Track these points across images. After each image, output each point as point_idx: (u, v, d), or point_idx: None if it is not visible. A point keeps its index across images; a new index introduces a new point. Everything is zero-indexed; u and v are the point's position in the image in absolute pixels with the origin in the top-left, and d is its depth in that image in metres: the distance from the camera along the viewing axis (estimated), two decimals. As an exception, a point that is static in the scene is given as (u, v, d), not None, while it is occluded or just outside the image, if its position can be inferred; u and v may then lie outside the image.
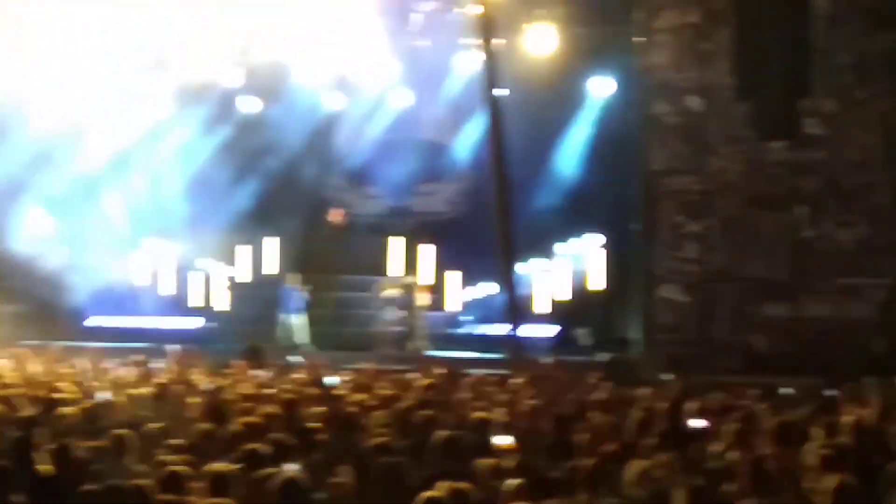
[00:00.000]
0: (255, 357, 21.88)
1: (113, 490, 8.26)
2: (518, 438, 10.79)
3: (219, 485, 8.37)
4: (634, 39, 24.50)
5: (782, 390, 15.87)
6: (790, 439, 10.55)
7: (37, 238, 27.74)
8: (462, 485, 8.24)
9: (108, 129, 27.91)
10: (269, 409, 12.15)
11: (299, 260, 27.32)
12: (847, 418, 11.32)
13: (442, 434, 10.14)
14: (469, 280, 27.59)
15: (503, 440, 10.72)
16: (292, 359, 21.73)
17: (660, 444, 10.50)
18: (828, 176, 23.49)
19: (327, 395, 14.77)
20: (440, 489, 7.99)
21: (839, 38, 23.15)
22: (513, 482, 8.52)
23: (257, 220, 28.24)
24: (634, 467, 8.88)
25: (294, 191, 28.76)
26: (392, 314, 26.65)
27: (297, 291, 26.56)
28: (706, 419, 12.34)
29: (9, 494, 8.50)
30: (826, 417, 11.79)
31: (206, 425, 11.03)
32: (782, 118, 22.72)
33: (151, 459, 9.64)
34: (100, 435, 10.69)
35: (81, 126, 27.38)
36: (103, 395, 13.01)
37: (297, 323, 26.38)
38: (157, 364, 19.81)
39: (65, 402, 13.05)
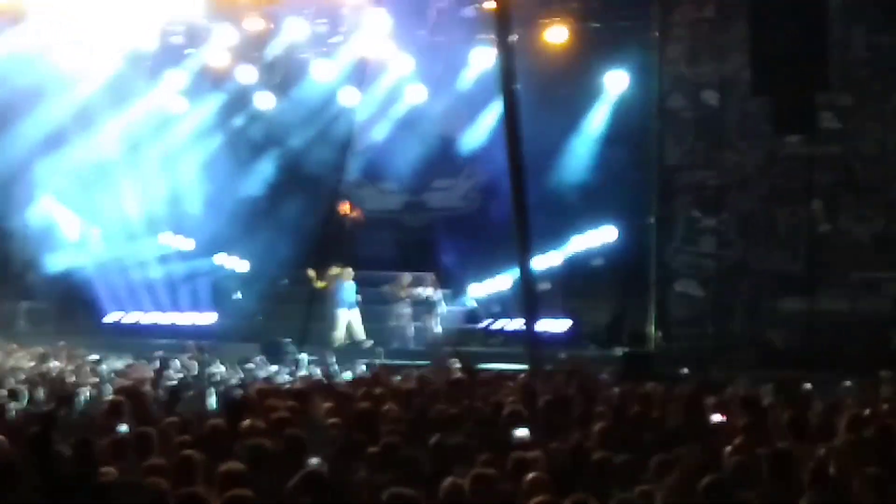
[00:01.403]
0: (274, 353, 21.96)
1: (129, 486, 8.28)
2: (536, 433, 10.81)
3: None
4: (650, 34, 24.46)
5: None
6: (806, 433, 10.57)
7: (51, 230, 27.64)
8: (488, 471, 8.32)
9: (122, 115, 27.87)
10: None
11: (314, 255, 27.25)
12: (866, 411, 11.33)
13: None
14: (484, 275, 27.63)
15: (522, 434, 10.74)
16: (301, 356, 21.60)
17: (678, 438, 10.49)
18: (844, 170, 23.45)
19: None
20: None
21: (855, 32, 23.11)
22: (535, 475, 8.52)
23: (270, 215, 28.24)
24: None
25: (308, 185, 28.74)
26: (407, 309, 26.63)
27: (348, 286, 26.24)
28: (723, 414, 12.35)
29: (18, 491, 8.52)
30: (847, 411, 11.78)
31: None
32: (798, 112, 22.62)
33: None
34: (116, 432, 10.70)
35: (95, 110, 27.32)
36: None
37: (353, 319, 26.27)
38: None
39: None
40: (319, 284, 26.20)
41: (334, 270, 25.93)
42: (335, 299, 25.95)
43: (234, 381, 17.26)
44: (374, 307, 26.78)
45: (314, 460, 9.13)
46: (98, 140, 27.51)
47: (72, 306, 28.30)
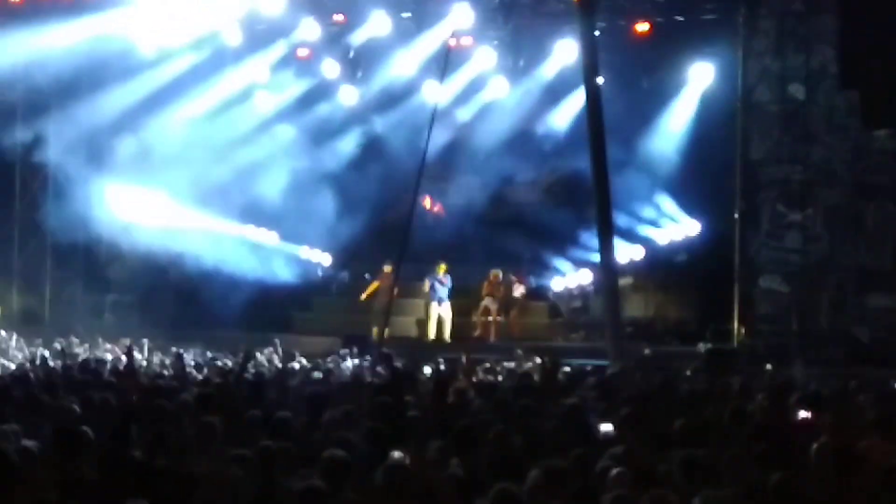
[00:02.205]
0: (358, 347, 22.00)
1: (213, 477, 8.33)
2: (619, 427, 10.75)
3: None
4: (736, 26, 24.27)
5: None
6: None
7: (131, 220, 27.61)
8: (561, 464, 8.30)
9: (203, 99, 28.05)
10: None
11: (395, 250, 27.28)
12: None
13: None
14: (566, 269, 27.63)
15: (606, 427, 10.70)
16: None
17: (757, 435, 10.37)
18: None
19: None
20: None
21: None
22: (618, 471, 8.47)
23: (351, 208, 28.29)
24: None
25: (389, 180, 28.75)
26: (493, 305, 26.63)
27: (441, 280, 26.35)
28: (808, 411, 12.19)
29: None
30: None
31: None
32: (886, 106, 22.34)
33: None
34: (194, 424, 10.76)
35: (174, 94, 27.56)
36: None
37: (444, 314, 26.30)
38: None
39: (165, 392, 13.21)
40: (364, 295, 26.55)
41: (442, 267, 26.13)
42: (428, 294, 26.10)
43: (315, 374, 17.29)
44: (457, 301, 26.82)
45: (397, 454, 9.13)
46: (175, 123, 27.61)
47: (157, 299, 28.45)
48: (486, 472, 8.66)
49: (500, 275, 26.80)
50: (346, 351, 21.55)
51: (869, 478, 8.85)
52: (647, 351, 21.34)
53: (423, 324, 26.39)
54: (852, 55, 22.64)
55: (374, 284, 26.76)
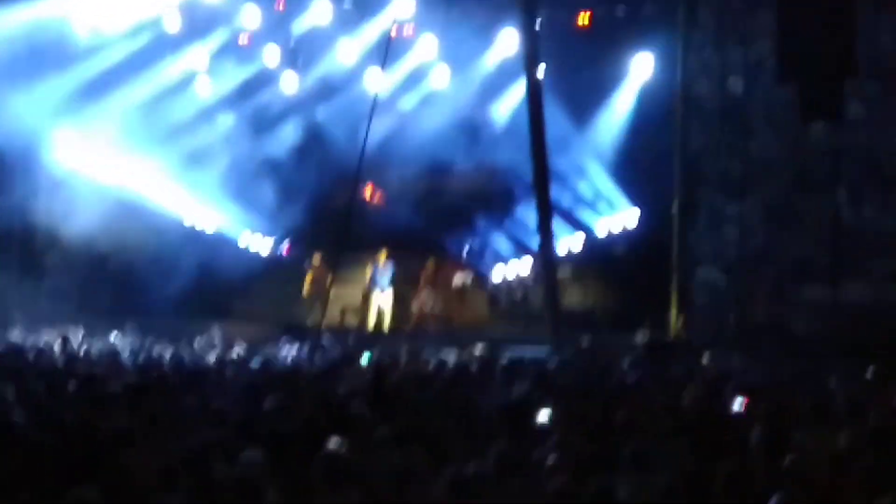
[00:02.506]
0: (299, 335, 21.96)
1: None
2: (559, 417, 10.80)
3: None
4: (676, 19, 24.38)
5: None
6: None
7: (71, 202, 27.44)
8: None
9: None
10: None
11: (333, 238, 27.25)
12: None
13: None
14: (506, 258, 27.70)
15: (543, 416, 10.75)
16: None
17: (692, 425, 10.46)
18: (869, 159, 23.30)
19: None
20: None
21: (883, 19, 22.96)
22: (556, 459, 8.52)
23: (291, 195, 28.21)
24: None
25: (330, 168, 28.68)
26: (428, 294, 26.67)
27: (384, 268, 26.40)
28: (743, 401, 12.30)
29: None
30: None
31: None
32: (824, 100, 22.49)
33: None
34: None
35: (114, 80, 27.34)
36: None
37: (384, 302, 26.24)
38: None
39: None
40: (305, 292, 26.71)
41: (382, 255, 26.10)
42: (368, 282, 26.09)
43: (254, 362, 17.25)
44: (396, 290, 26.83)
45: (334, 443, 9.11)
46: (116, 109, 27.42)
47: (94, 285, 28.25)
48: (425, 461, 8.67)
49: (435, 263, 26.83)
50: (285, 339, 21.50)
51: (804, 467, 8.93)
52: (585, 341, 21.38)
53: (362, 312, 26.33)
54: (791, 49, 22.76)
55: (308, 276, 26.75)
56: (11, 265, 28.29)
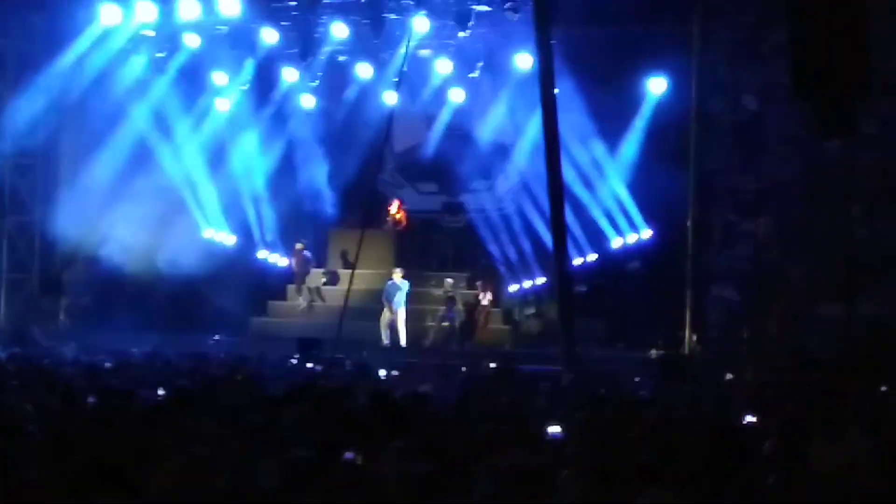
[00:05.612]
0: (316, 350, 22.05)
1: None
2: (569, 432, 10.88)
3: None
4: (691, 38, 24.49)
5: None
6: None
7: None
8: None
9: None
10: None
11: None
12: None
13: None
14: (522, 276, 27.81)
15: (555, 430, 10.81)
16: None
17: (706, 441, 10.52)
18: (883, 175, 23.37)
19: None
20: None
21: (896, 38, 23.05)
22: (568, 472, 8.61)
23: (313, 214, 28.44)
24: None
25: (351, 186, 28.89)
26: (452, 310, 26.65)
27: (396, 286, 26.28)
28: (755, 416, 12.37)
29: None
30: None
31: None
32: (838, 118, 22.54)
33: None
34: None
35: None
36: None
37: (399, 319, 26.24)
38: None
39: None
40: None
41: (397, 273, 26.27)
42: (383, 299, 26.13)
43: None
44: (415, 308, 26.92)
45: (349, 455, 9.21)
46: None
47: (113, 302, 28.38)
48: (440, 475, 8.76)
49: (452, 283, 26.90)
50: (301, 354, 21.59)
51: (816, 482, 9.01)
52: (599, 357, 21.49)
53: (379, 328, 26.38)
54: (805, 67, 22.81)
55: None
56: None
